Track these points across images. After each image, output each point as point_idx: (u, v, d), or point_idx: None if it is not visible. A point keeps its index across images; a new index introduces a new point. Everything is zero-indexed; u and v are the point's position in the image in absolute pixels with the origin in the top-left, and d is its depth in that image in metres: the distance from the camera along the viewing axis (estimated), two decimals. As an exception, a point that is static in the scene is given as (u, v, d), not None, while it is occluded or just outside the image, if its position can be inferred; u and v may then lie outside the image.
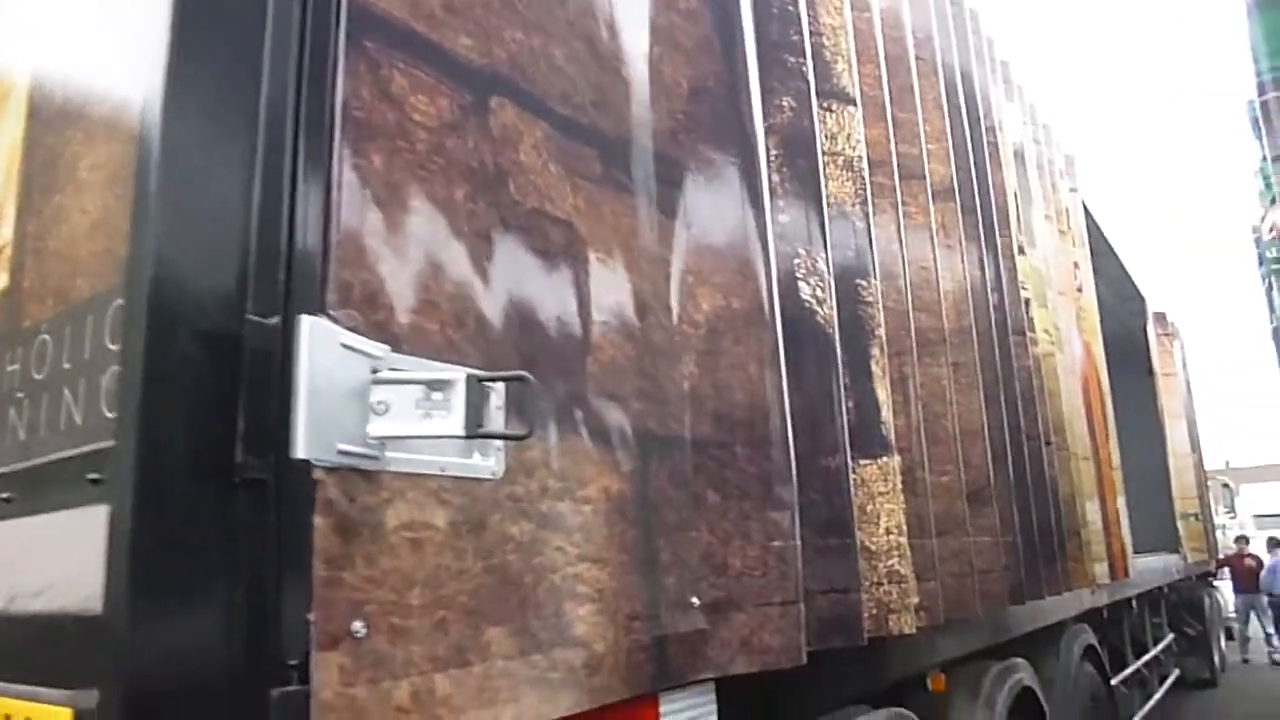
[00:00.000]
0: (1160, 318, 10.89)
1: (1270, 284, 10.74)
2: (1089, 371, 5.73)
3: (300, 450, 1.02)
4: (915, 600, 2.41)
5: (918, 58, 3.31)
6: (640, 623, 1.52)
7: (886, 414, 2.42)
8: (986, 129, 4.12)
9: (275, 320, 1.07)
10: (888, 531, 2.37)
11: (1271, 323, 11.49)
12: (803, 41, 2.36)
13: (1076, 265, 5.89)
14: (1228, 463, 33.79)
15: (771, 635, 1.73)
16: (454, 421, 1.12)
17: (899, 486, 2.42)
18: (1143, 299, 10.10)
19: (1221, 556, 12.95)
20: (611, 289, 1.60)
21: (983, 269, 3.64)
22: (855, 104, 2.61)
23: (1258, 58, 6.04)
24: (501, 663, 1.24)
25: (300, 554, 1.03)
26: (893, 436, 2.43)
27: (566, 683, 1.34)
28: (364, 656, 1.06)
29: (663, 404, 1.68)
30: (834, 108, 2.53)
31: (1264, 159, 6.32)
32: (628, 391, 1.59)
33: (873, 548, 2.30)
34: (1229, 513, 17.30)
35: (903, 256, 2.84)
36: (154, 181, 1.03)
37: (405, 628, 1.12)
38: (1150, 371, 10.06)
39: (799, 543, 1.82)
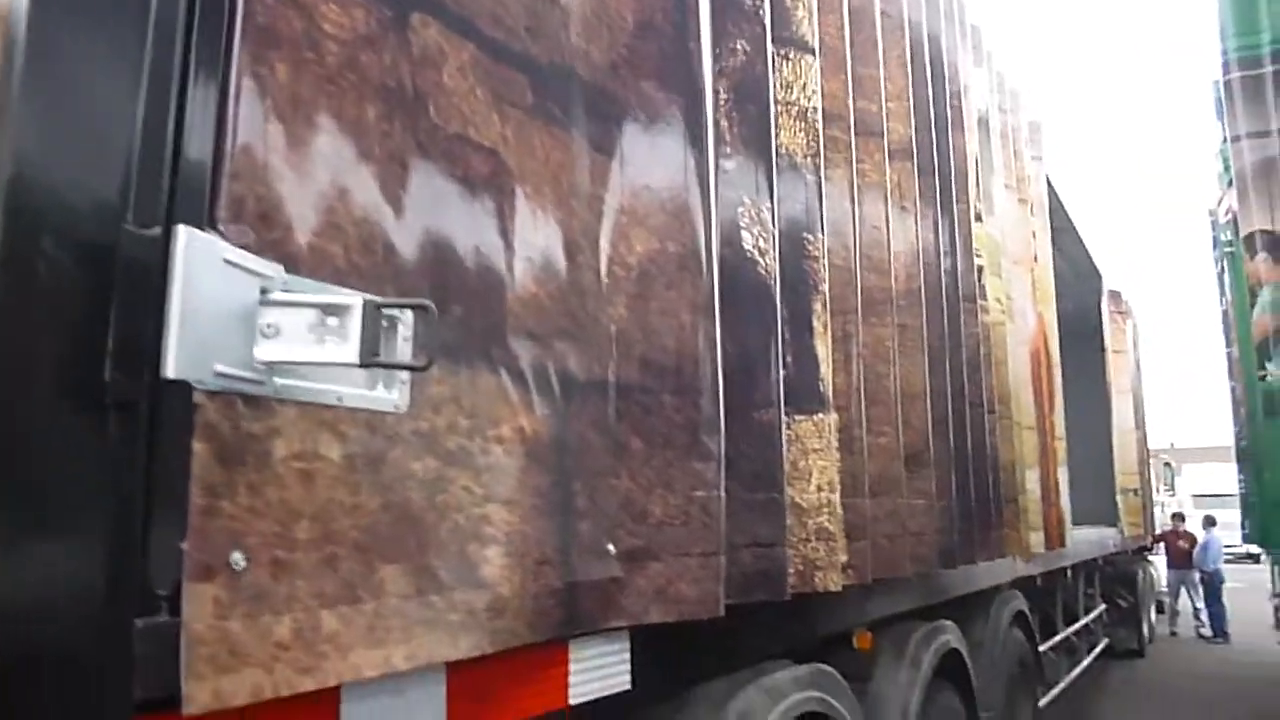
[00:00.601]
0: (1115, 295, 11.04)
1: (1223, 267, 10.90)
2: (1039, 343, 5.78)
3: (171, 370, 0.95)
4: (843, 559, 2.40)
5: (883, 13, 3.24)
6: (550, 568, 1.48)
7: (825, 371, 2.41)
8: (951, 93, 4.08)
9: (155, 231, 1.00)
10: (819, 489, 2.36)
11: (1221, 306, 11.68)
12: (761, -17, 2.29)
13: (1034, 235, 5.91)
14: (1173, 443, 34.61)
15: (689, 586, 1.71)
16: (349, 349, 1.06)
17: (834, 444, 2.40)
18: (1099, 275, 10.22)
19: (1157, 532, 13.30)
20: (537, 224, 1.54)
21: (936, 233, 3.62)
22: (814, 53, 2.55)
23: (1225, 37, 6.04)
24: (396, 601, 1.20)
25: (175, 481, 0.97)
26: (831, 394, 2.41)
27: (467, 625, 1.30)
28: (242, 590, 1.01)
29: (587, 346, 1.62)
30: (791, 56, 2.47)
31: (1224, 140, 6.35)
32: (549, 331, 1.54)
33: (803, 504, 2.29)
34: (1169, 491, 17.79)
35: (854, 214, 2.81)
36: (20, 74, 0.94)
37: (290, 562, 1.07)
38: (1102, 348, 10.21)
39: (723, 494, 1.79)
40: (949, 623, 3.68)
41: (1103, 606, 9.75)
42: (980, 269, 4.27)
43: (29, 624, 0.89)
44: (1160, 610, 13.72)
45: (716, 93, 2.11)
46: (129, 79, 1.02)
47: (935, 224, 3.63)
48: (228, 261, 1.02)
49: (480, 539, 1.35)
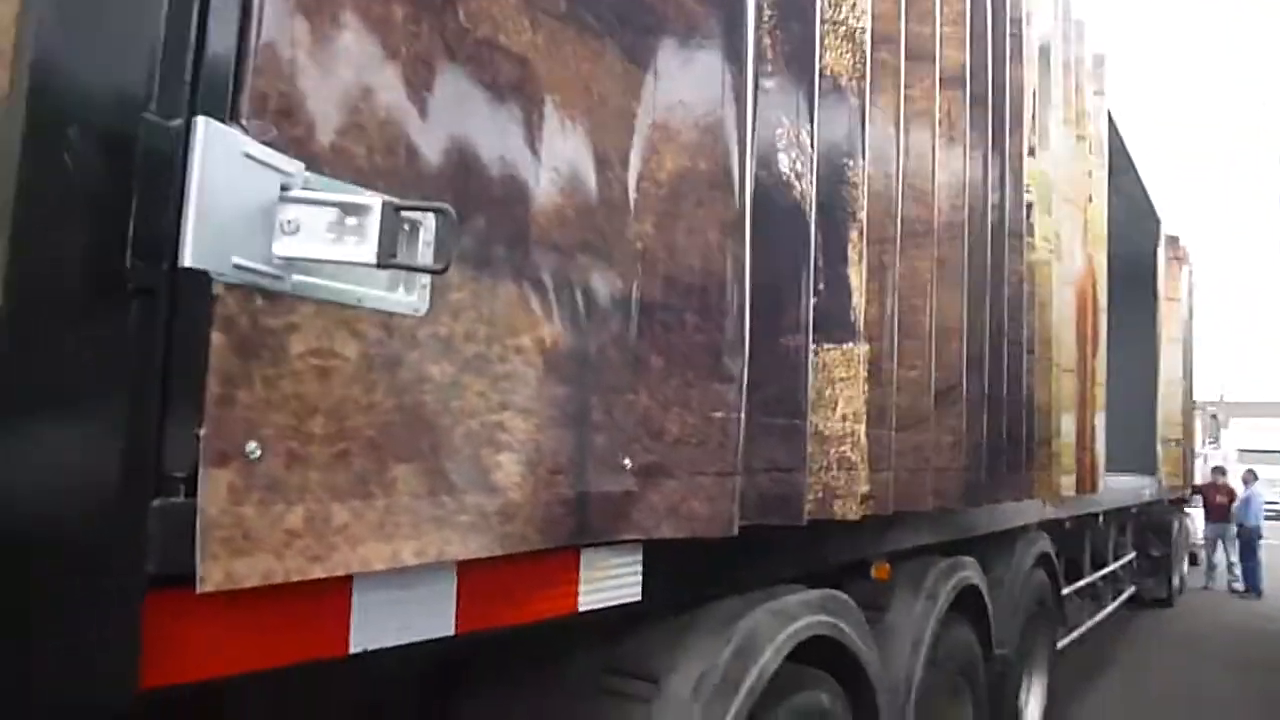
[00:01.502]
0: (1173, 241, 10.72)
1: (1289, 214, 10.50)
2: (1087, 285, 5.64)
3: (189, 259, 0.97)
4: (865, 489, 2.40)
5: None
6: (564, 478, 1.50)
7: (858, 300, 2.37)
8: (1011, 19, 3.91)
9: (177, 123, 1.01)
10: (844, 418, 2.36)
11: (1283, 256, 11.31)
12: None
13: (1090, 174, 5.71)
14: (1222, 396, 33.90)
15: (702, 504, 1.72)
16: (366, 249, 1.07)
17: (862, 375, 2.38)
18: (1158, 220, 9.91)
19: (1196, 484, 13.13)
20: (565, 135, 1.52)
21: (985, 166, 3.50)
22: (863, -31, 2.45)
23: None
24: (407, 499, 1.23)
25: (194, 369, 1.00)
26: (862, 323, 2.38)
27: (476, 526, 1.33)
28: (256, 477, 1.04)
29: (611, 261, 1.62)
30: (839, -30, 2.38)
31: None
32: (573, 244, 1.53)
33: (826, 432, 2.29)
34: (1213, 443, 17.48)
35: (899, 141, 2.72)
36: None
37: (303, 454, 1.10)
38: (1155, 294, 9.96)
39: (742, 416, 1.79)
40: (969, 559, 3.69)
41: (1133, 554, 9.71)
42: (1029, 205, 4.16)
43: (46, 502, 0.93)
44: (1194, 562, 13.63)
45: (760, 7, 2.05)
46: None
47: (985, 156, 3.51)
48: (248, 156, 1.02)
49: (494, 445, 1.37)
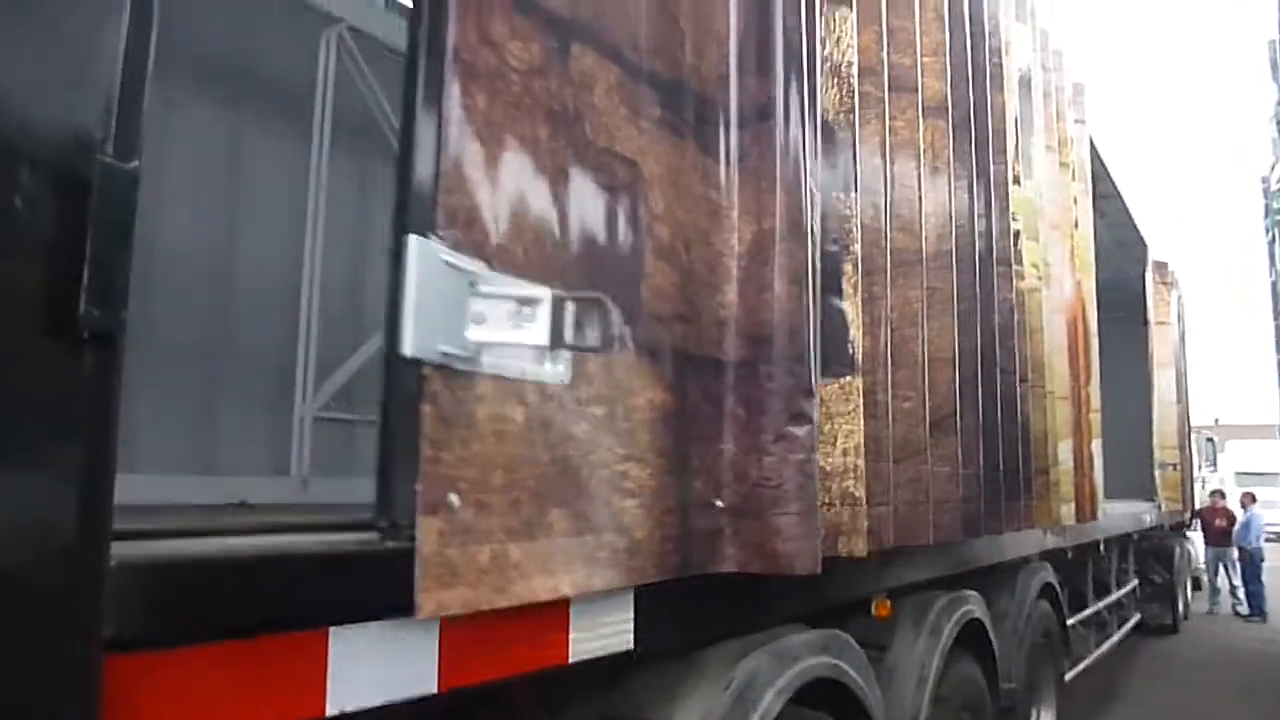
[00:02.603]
0: (1161, 266, 10.77)
1: (1274, 235, 10.54)
2: (1077, 311, 5.62)
3: (408, 349, 1.21)
4: (866, 524, 2.35)
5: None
6: (671, 517, 1.73)
7: (855, 333, 2.34)
8: (991, 49, 3.94)
9: (133, 165, 0.97)
10: (844, 452, 2.30)
11: (1270, 276, 11.35)
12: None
13: (1075, 200, 5.74)
14: (1217, 419, 33.99)
15: (787, 542, 1.89)
16: (540, 332, 1.34)
17: (860, 408, 2.34)
18: (1145, 245, 9.97)
19: (1196, 508, 13.07)
20: (663, 222, 1.78)
21: (971, 194, 3.51)
22: (850, 5, 2.46)
23: (1281, -7, 5.78)
24: (561, 539, 1.46)
25: (411, 435, 1.23)
26: (859, 356, 2.34)
27: (611, 562, 1.56)
28: (457, 523, 1.26)
29: (701, 326, 1.87)
30: (826, 9, 2.38)
31: (1278, 103, 6.08)
32: (671, 314, 1.79)
33: (828, 468, 2.24)
34: (1210, 466, 17.43)
35: (885, 172, 2.71)
36: None
37: (488, 503, 1.32)
38: (1145, 319, 9.98)
39: (816, 456, 1.99)
40: (972, 592, 3.62)
41: (1136, 582, 9.62)
42: (1016, 233, 4.14)
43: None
44: (1197, 587, 13.52)
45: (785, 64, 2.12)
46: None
47: (970, 184, 3.51)
48: (446, 262, 1.27)
49: (621, 491, 1.61)
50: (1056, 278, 5.07)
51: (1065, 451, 4.88)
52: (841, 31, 2.43)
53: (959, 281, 3.25)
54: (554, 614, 1.54)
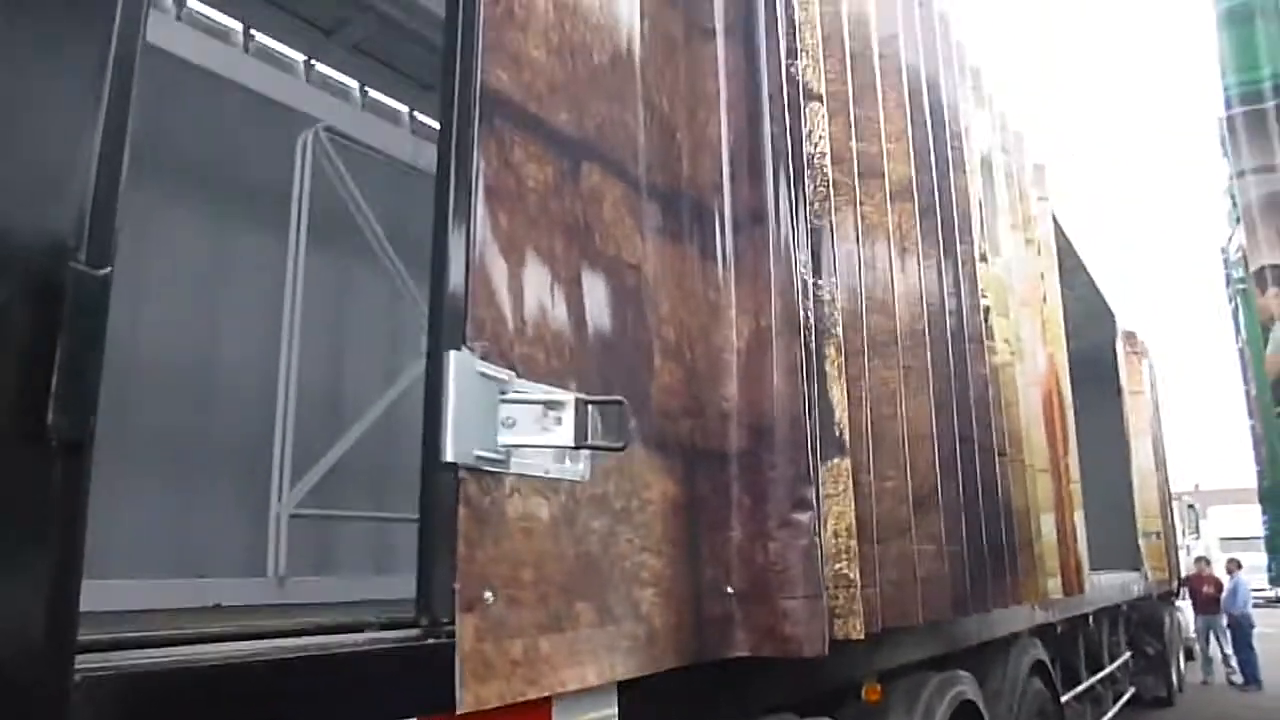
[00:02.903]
0: (1130, 336, 10.92)
1: (1236, 305, 10.78)
2: (1051, 384, 5.68)
3: (449, 455, 1.30)
4: (861, 605, 2.34)
5: (881, 55, 3.24)
6: (686, 605, 1.81)
7: (840, 415, 2.38)
8: (952, 134, 4.06)
9: (105, 271, 0.98)
10: (836, 534, 2.33)
11: (1237, 344, 11.56)
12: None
13: (1042, 275, 5.85)
14: (1197, 485, 34.04)
15: (795, 625, 1.95)
16: (566, 434, 1.42)
17: (850, 489, 2.36)
18: (1112, 316, 10.12)
19: (1183, 576, 13.02)
20: (668, 323, 1.90)
21: (940, 274, 3.58)
22: (821, 100, 2.55)
23: (1225, 73, 6.01)
24: (586, 630, 1.52)
25: (449, 536, 1.30)
26: (847, 438, 2.37)
27: (633, 650, 1.62)
28: (491, 619, 1.33)
29: (706, 420, 1.98)
30: (800, 104, 2.47)
31: (1231, 176, 6.30)
32: (679, 410, 1.89)
33: (822, 550, 2.23)
34: (1193, 534, 17.44)
35: (858, 255, 2.78)
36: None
37: (519, 598, 1.39)
38: (1118, 389, 10.09)
39: (820, 540, 2.07)
40: (964, 673, 3.56)
41: (1128, 654, 9.52)
42: (987, 310, 4.21)
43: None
44: (1190, 657, 13.39)
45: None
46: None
47: (939, 264, 3.58)
48: (480, 373, 1.37)
49: (639, 581, 1.68)
50: (1029, 352, 5.13)
51: (1048, 524, 4.87)
52: (814, 125, 2.52)
53: (933, 359, 3.29)
54: (537, 711, 1.51)
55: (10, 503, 0.90)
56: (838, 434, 2.36)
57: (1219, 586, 13.60)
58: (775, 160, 2.20)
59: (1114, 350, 10.10)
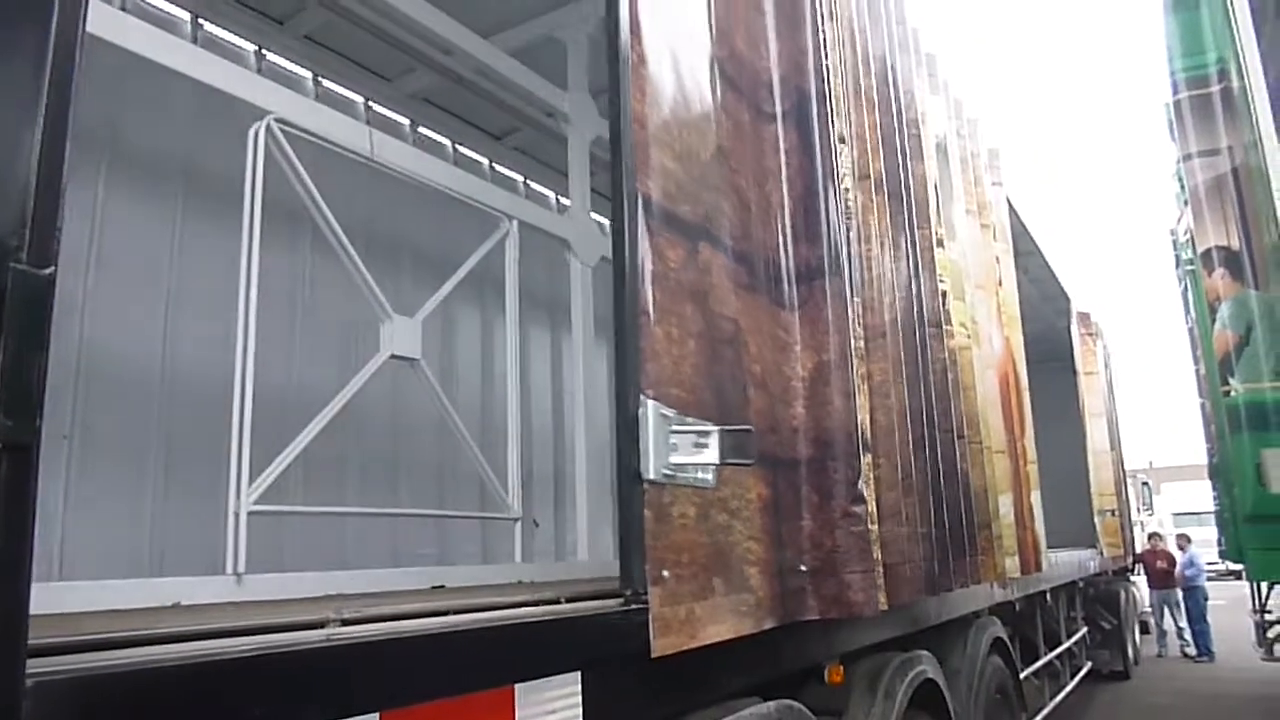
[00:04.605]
0: (1084, 317, 11.08)
1: (1186, 285, 10.99)
2: (1007, 366, 5.76)
3: (649, 474, 1.86)
4: (883, 581, 2.61)
5: (842, 41, 3.25)
6: (775, 579, 2.34)
7: (863, 417, 2.79)
8: (908, 121, 4.10)
9: (49, 271, 0.96)
10: (871, 520, 2.66)
11: (1187, 324, 11.79)
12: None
13: (998, 260, 5.93)
14: (1151, 463, 34.75)
15: (855, 593, 2.48)
16: (712, 454, 1.96)
17: (872, 480, 2.70)
18: (1067, 298, 10.28)
19: (1137, 552, 13.30)
20: (756, 360, 2.42)
21: (906, 260, 3.61)
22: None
23: (1173, 58, 6.11)
24: (719, 598, 2.05)
25: (639, 531, 1.84)
26: (869, 435, 2.60)
27: (746, 614, 2.15)
28: (668, 590, 1.85)
29: (781, 435, 2.51)
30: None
31: (1179, 160, 6.42)
32: (765, 428, 2.41)
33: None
34: (1147, 510, 17.80)
35: (858, 250, 2.88)
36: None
37: (681, 574, 1.91)
38: (1073, 369, 10.26)
39: (876, 528, 2.59)
40: (924, 652, 3.62)
41: (1085, 629, 9.71)
42: (944, 294, 4.26)
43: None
44: (1146, 631, 13.69)
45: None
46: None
47: (905, 250, 3.62)
48: (660, 414, 1.91)
49: (748, 561, 2.21)
50: (985, 335, 5.20)
51: (1006, 505, 4.96)
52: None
53: (904, 345, 3.32)
54: (498, 697, 1.51)
55: None
56: (863, 434, 2.68)
57: (1172, 561, 13.89)
58: (829, 225, 2.72)
59: (1069, 332, 10.27)
